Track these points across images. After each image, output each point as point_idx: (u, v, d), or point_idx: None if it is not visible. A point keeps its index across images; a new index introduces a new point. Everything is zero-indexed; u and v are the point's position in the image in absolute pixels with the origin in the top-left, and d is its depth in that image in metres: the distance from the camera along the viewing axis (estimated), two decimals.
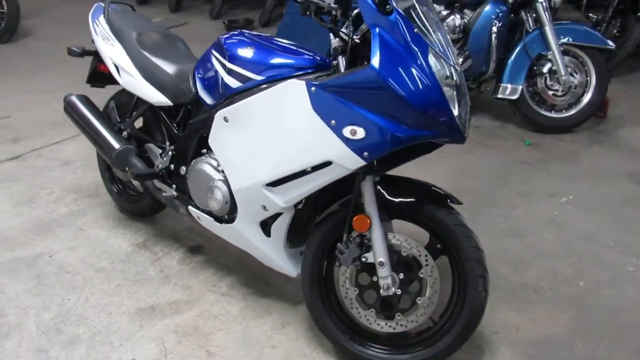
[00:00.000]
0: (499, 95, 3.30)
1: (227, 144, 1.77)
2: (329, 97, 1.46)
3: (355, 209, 1.63)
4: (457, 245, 1.60)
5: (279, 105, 1.58)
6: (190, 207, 2.01)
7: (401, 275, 1.65)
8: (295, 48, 1.76)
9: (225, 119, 1.74)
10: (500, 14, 3.21)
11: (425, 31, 1.51)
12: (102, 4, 2.37)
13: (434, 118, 1.42)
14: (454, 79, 1.50)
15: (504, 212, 2.61)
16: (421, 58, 1.40)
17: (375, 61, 1.38)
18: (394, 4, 1.41)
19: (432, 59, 1.44)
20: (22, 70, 4.68)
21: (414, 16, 1.52)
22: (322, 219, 1.74)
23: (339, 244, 1.65)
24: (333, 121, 1.47)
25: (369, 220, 1.60)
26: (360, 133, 1.44)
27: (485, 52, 3.27)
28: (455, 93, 1.49)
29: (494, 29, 3.20)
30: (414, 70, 1.39)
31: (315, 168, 1.55)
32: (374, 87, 1.40)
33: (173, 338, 1.85)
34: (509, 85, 3.28)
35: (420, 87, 1.39)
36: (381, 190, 1.65)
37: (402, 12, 1.44)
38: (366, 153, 1.46)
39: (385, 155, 1.51)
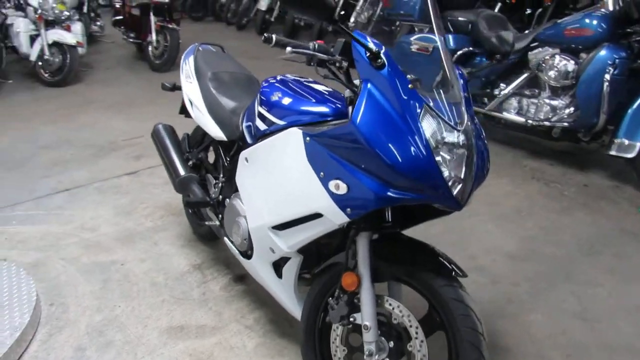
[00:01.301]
0: (613, 152, 2.89)
1: (246, 183, 1.85)
2: (319, 148, 1.46)
3: (347, 265, 1.58)
4: (452, 323, 1.46)
5: (281, 152, 1.62)
6: (225, 238, 2.12)
7: (391, 344, 1.54)
8: (325, 95, 1.77)
9: (246, 159, 1.82)
10: (617, 60, 2.83)
11: (427, 85, 1.44)
12: (197, 45, 2.65)
13: (419, 181, 1.32)
14: (457, 140, 1.38)
15: (580, 290, 2.27)
16: (411, 117, 1.33)
17: (357, 116, 1.35)
18: (387, 57, 1.37)
19: (427, 118, 1.36)
20: (170, 95, 5.37)
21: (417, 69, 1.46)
22: (322, 269, 1.72)
23: (330, 298, 1.61)
24: (322, 173, 1.46)
25: (357, 280, 1.53)
26: (343, 188, 1.40)
27: (596, 102, 2.90)
28: (454, 155, 1.38)
29: (607, 76, 2.83)
30: (398, 130, 1.32)
31: (310, 217, 1.54)
32: (353, 142, 1.36)
33: (186, 358, 1.96)
34: (626, 141, 2.87)
35: (404, 148, 1.31)
36: (378, 249, 1.57)
37: (397, 66, 1.38)
38: (349, 209, 1.42)
39: (376, 213, 1.45)
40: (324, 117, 1.61)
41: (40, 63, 5.81)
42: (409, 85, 1.37)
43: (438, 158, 1.34)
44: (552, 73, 3.26)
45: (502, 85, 3.58)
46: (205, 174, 2.44)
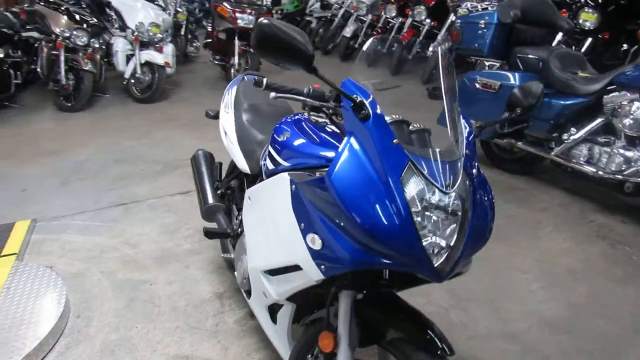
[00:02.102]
0: None
1: (248, 222, 1.82)
2: (302, 198, 1.39)
3: (328, 323, 1.48)
4: None
5: (273, 196, 1.57)
6: (235, 272, 2.11)
7: None
8: (335, 139, 1.71)
9: (249, 198, 1.80)
10: None
11: (418, 142, 1.33)
12: (243, 75, 2.71)
13: (394, 248, 1.21)
14: (444, 203, 1.25)
15: None
16: (390, 176, 1.22)
17: (332, 170, 1.28)
18: (372, 108, 1.28)
19: (410, 178, 1.24)
20: None
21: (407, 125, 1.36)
22: (309, 321, 1.63)
23: (309, 355, 1.52)
24: (302, 224, 1.39)
25: (334, 341, 1.43)
26: (318, 243, 1.33)
27: None
28: (441, 221, 1.25)
29: None
30: (374, 189, 1.22)
31: (293, 268, 1.48)
32: (328, 197, 1.28)
33: None
34: None
35: (380, 209, 1.21)
36: (364, 310, 1.46)
37: (383, 119, 1.29)
38: (323, 267, 1.34)
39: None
40: (327, 163, 1.55)
41: (132, 80, 6.28)
42: (394, 141, 1.27)
43: (419, 219, 1.22)
44: (628, 121, 2.92)
45: (573, 129, 3.27)
46: (232, 204, 2.46)
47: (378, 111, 1.30)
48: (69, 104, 5.99)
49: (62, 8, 6.24)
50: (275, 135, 1.81)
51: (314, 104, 1.45)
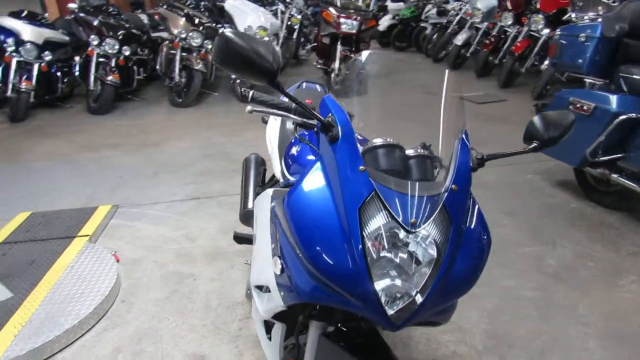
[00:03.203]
0: None
1: (254, 233, 1.80)
2: (275, 216, 1.34)
3: (297, 352, 1.41)
4: None
5: (260, 211, 1.54)
6: None
7: None
8: None
9: (254, 209, 1.78)
10: None
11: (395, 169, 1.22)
12: (301, 82, 2.71)
13: (343, 287, 1.11)
14: (410, 244, 1.12)
15: None
16: (348, 206, 1.12)
17: (291, 192, 1.22)
18: (344, 131, 1.19)
19: (371, 211, 1.13)
20: None
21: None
22: (290, 344, 1.57)
23: None
24: (273, 245, 1.34)
25: None
26: (278, 268, 1.27)
27: None
28: (403, 263, 1.12)
29: None
30: (328, 219, 1.14)
31: (268, 289, 1.43)
32: (287, 219, 1.21)
33: None
34: None
35: (330, 242, 1.12)
36: (333, 345, 1.37)
37: (354, 142, 1.19)
38: (283, 293, 1.28)
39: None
40: None
41: (237, 80, 6.62)
42: (360, 167, 1.16)
43: (375, 259, 1.10)
44: None
45: None
46: None
47: (350, 134, 1.20)
48: (180, 100, 6.48)
49: (183, 11, 6.76)
50: (289, 148, 1.78)
51: (296, 120, 1.38)
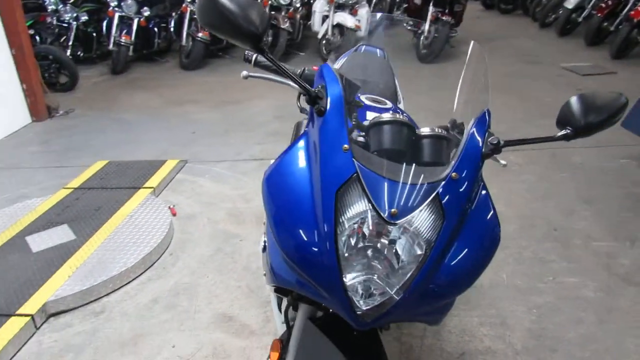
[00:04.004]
0: None
1: None
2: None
3: (287, 332, 1.36)
4: None
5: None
6: None
7: None
8: None
9: None
10: None
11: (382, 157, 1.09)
12: (361, 44, 2.57)
13: (310, 275, 1.03)
14: (389, 237, 1.01)
15: None
16: (325, 188, 1.03)
17: (271, 168, 1.14)
18: (333, 104, 1.08)
19: (351, 197, 1.02)
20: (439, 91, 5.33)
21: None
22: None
23: None
24: (264, 219, 1.28)
25: (278, 354, 1.31)
26: (261, 247, 1.22)
27: None
28: (380, 257, 1.01)
29: None
30: (302, 199, 1.05)
31: None
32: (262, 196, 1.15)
33: (209, 349, 2.04)
34: None
35: (301, 225, 1.04)
36: (312, 330, 1.29)
37: (341, 118, 1.07)
38: (265, 273, 1.23)
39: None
40: None
41: (323, 41, 6.50)
42: (344, 146, 1.05)
43: (346, 250, 1.00)
44: None
45: None
46: None
47: (338, 107, 1.08)
48: None
49: None
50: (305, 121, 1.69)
51: (296, 88, 1.28)
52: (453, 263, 1.03)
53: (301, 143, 1.14)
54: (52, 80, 5.62)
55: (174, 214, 3.01)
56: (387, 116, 1.24)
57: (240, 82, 5.88)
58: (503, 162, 1.47)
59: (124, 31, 6.29)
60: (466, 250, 1.04)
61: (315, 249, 1.01)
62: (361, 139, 1.29)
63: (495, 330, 2.08)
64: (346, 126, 1.08)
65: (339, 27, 6.31)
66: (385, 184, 1.02)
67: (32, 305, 2.21)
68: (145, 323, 2.21)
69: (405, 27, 6.93)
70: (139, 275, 2.51)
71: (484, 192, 1.12)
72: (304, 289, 1.08)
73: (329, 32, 6.34)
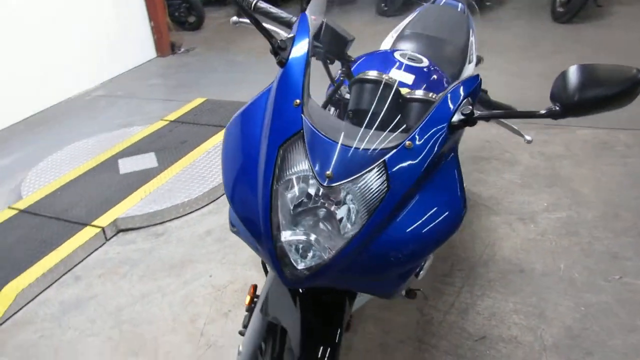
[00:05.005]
0: None
1: None
2: None
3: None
4: None
5: None
6: None
7: None
8: None
9: None
10: None
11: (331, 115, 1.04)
12: None
13: (247, 225, 1.05)
14: (322, 200, 0.98)
15: None
16: (270, 142, 1.02)
17: (234, 116, 1.15)
18: (297, 56, 1.05)
19: (293, 154, 1.01)
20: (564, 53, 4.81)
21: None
22: None
23: None
24: None
25: (252, 298, 1.36)
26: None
27: None
28: (314, 218, 0.99)
29: None
30: (249, 149, 1.06)
31: None
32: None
33: (240, 283, 2.17)
34: None
35: (242, 175, 1.05)
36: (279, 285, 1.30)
37: (300, 71, 1.04)
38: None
39: None
40: None
41: None
42: (295, 101, 1.02)
43: (282, 207, 0.99)
44: None
45: None
46: None
47: (299, 60, 1.04)
48: (385, 8, 6.31)
49: None
50: None
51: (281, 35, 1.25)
52: (393, 236, 0.96)
53: (263, 93, 1.12)
54: (181, 19, 6.05)
55: None
56: (372, 74, 1.16)
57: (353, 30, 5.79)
58: (528, 137, 1.31)
59: None
60: (413, 225, 0.97)
61: (253, 202, 1.01)
62: (348, 95, 1.24)
63: (529, 320, 1.91)
64: (305, 80, 1.04)
65: None
66: (327, 145, 0.97)
67: (105, 219, 2.51)
68: (196, 251, 2.40)
69: None
70: (201, 207, 2.71)
71: (452, 166, 1.02)
72: (248, 241, 1.10)
73: None
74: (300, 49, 1.07)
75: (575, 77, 0.93)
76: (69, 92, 4.38)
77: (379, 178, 0.96)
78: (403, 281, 1.09)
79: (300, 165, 0.99)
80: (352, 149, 0.97)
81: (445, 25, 2.25)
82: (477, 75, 1.06)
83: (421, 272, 1.16)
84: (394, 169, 0.96)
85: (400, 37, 2.15)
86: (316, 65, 1.26)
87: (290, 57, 1.06)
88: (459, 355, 1.79)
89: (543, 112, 0.95)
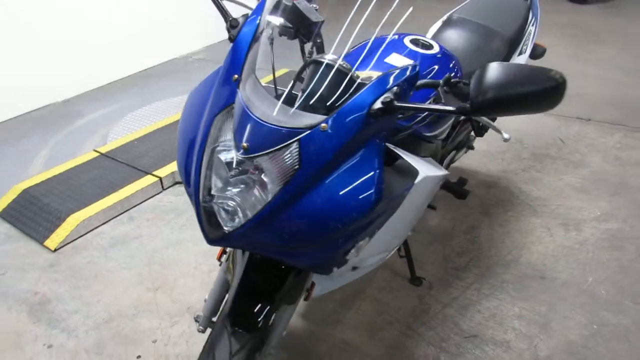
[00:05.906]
0: None
1: None
2: None
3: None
4: None
5: None
6: None
7: None
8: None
9: None
10: None
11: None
12: None
13: (188, 189, 1.18)
14: (241, 169, 1.06)
15: None
16: (210, 111, 1.13)
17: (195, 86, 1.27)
18: (243, 32, 1.13)
19: (224, 125, 1.11)
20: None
21: None
22: None
23: None
24: None
25: (221, 252, 1.50)
26: None
27: None
28: (236, 185, 1.09)
29: None
30: (194, 117, 1.19)
31: None
32: None
33: None
34: None
35: (186, 139, 1.18)
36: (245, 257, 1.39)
37: (243, 49, 1.12)
38: None
39: None
40: None
41: None
42: (234, 76, 1.10)
43: (211, 171, 1.09)
44: None
45: None
46: None
47: (245, 37, 1.12)
48: None
49: None
50: None
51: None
52: (300, 210, 1.03)
53: (217, 70, 1.21)
54: None
55: None
56: (328, 57, 1.20)
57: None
58: (506, 135, 1.26)
59: None
60: (319, 202, 1.02)
61: (189, 163, 1.13)
62: None
63: (529, 327, 1.83)
64: (246, 57, 1.11)
65: None
66: (249, 119, 1.05)
67: (165, 171, 2.80)
68: None
69: None
70: None
71: (372, 153, 1.04)
72: (191, 199, 1.21)
73: None
74: (249, 27, 1.14)
75: (494, 75, 0.90)
76: (176, 53, 4.81)
77: (291, 156, 1.01)
78: (327, 256, 1.14)
79: (228, 135, 1.08)
80: (268, 124, 1.03)
81: (498, 13, 2.14)
82: (415, 65, 1.05)
83: (351, 252, 1.18)
84: (307, 149, 1.00)
85: (447, 22, 2.09)
86: None
87: (239, 35, 1.14)
88: (441, 348, 1.77)
89: (453, 108, 0.93)
